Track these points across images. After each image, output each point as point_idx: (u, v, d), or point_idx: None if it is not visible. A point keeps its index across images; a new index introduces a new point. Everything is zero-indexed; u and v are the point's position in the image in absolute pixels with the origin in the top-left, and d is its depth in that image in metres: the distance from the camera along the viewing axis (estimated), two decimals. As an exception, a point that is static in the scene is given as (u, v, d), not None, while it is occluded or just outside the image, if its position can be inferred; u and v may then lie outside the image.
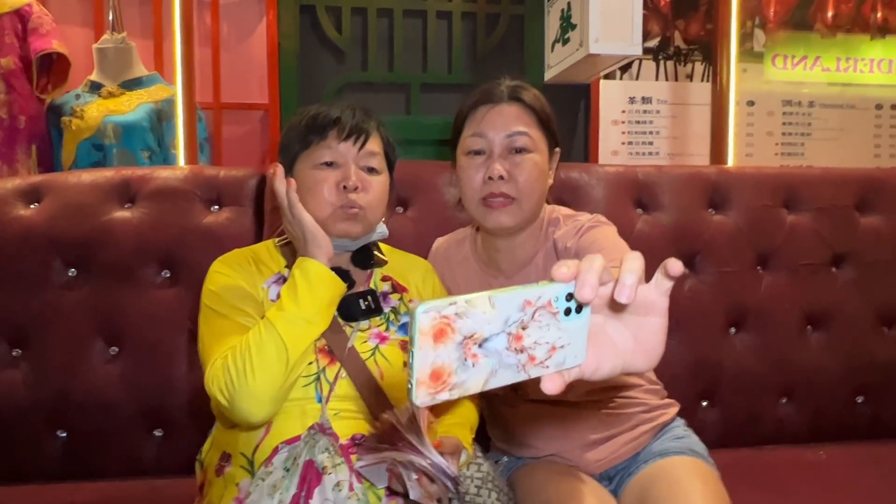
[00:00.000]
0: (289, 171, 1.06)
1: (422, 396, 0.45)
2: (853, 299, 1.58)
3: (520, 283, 1.14)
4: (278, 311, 0.93)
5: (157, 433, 1.37)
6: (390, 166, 1.11)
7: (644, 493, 1.04)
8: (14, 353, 1.35)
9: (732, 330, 1.55)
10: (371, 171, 1.05)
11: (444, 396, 0.46)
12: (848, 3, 2.88)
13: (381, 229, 1.10)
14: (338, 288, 0.98)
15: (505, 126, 1.09)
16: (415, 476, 0.85)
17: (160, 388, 1.36)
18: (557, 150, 1.17)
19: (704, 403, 1.51)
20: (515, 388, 1.14)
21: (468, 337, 0.45)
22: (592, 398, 1.13)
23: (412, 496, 0.85)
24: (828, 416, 1.55)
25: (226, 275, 1.02)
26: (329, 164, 1.03)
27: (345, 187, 1.00)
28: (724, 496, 1.02)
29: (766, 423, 1.53)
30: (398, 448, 0.85)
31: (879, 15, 2.91)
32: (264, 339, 0.90)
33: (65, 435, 1.34)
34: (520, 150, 1.09)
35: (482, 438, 1.24)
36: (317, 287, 0.95)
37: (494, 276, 1.19)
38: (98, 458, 1.36)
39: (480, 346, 0.46)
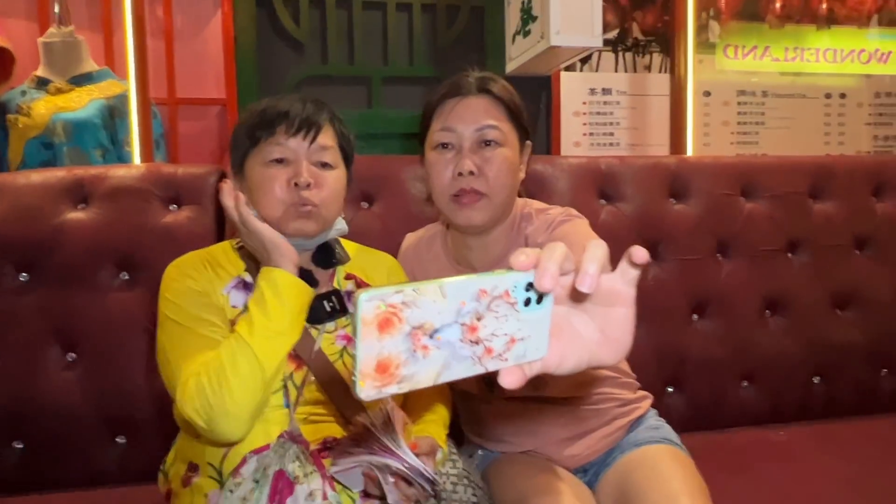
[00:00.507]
0: (239, 170, 1.02)
1: (367, 390, 0.42)
2: (809, 283, 1.63)
3: None
4: (249, 326, 0.90)
5: (120, 440, 1.33)
6: (347, 159, 1.07)
7: (623, 481, 1.06)
8: (-35, 363, 1.29)
9: (695, 317, 1.58)
10: (324, 165, 1.00)
11: (393, 390, 0.43)
12: (796, -6, 2.96)
13: (340, 225, 1.06)
14: (307, 295, 0.96)
15: (474, 119, 1.05)
16: (391, 479, 0.84)
17: (121, 393, 1.32)
18: (528, 143, 1.14)
19: (670, 389, 1.55)
20: (489, 385, 1.13)
21: (417, 327, 0.42)
22: (570, 394, 1.13)
23: (390, 500, 0.84)
24: (787, 397, 1.60)
25: (182, 281, 0.98)
26: (279, 161, 0.98)
27: (296, 184, 0.96)
28: (700, 481, 1.04)
29: (730, 406, 1.57)
30: (373, 451, 0.84)
31: (825, 6, 2.99)
32: (237, 357, 0.87)
33: (21, 446, 1.30)
34: (489, 144, 1.06)
35: (456, 432, 1.25)
36: (286, 297, 0.92)
37: (467, 273, 1.17)
38: (58, 468, 1.31)
39: (431, 336, 0.43)
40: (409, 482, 0.84)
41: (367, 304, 0.41)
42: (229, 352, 0.88)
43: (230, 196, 0.96)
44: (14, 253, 1.32)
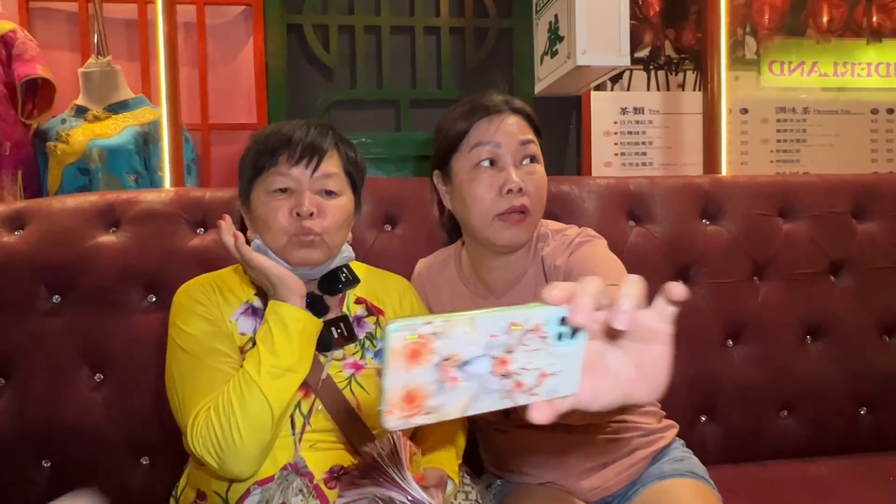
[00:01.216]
0: (246, 198, 1.02)
1: (393, 420, 0.42)
2: (852, 308, 1.56)
3: (511, 302, 1.09)
4: (257, 364, 0.88)
5: (144, 461, 1.34)
6: (354, 184, 1.05)
7: None
8: (-3, 383, 1.32)
9: (730, 342, 1.52)
10: (328, 193, 0.99)
11: (420, 420, 0.43)
12: (840, 9, 2.88)
13: (347, 252, 1.05)
14: (315, 328, 0.94)
15: (514, 135, 1.04)
16: None
17: (146, 414, 1.33)
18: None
19: (703, 418, 1.48)
20: (507, 414, 1.10)
21: (446, 359, 0.42)
22: (589, 422, 1.10)
23: None
24: (830, 428, 1.52)
25: (192, 308, 0.98)
26: (283, 191, 0.97)
27: (298, 214, 0.95)
28: None
29: (767, 436, 1.50)
30: (379, 483, 0.82)
31: (875, 19, 2.90)
32: (245, 397, 0.86)
33: (49, 464, 1.32)
34: (531, 160, 1.05)
35: (474, 461, 1.22)
36: (294, 333, 0.90)
37: (484, 297, 1.14)
38: (84, 487, 1.33)
39: (460, 368, 0.43)
40: None
41: (396, 335, 0.41)
42: (237, 391, 0.87)
43: (229, 234, 0.95)
44: (48, 275, 1.35)
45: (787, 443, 1.50)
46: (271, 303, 0.93)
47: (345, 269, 1.06)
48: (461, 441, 1.07)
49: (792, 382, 1.51)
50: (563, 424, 1.06)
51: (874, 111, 2.93)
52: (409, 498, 0.81)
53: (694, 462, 1.12)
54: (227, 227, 0.96)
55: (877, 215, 1.61)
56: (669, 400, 1.21)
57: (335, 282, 1.04)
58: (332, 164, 1.00)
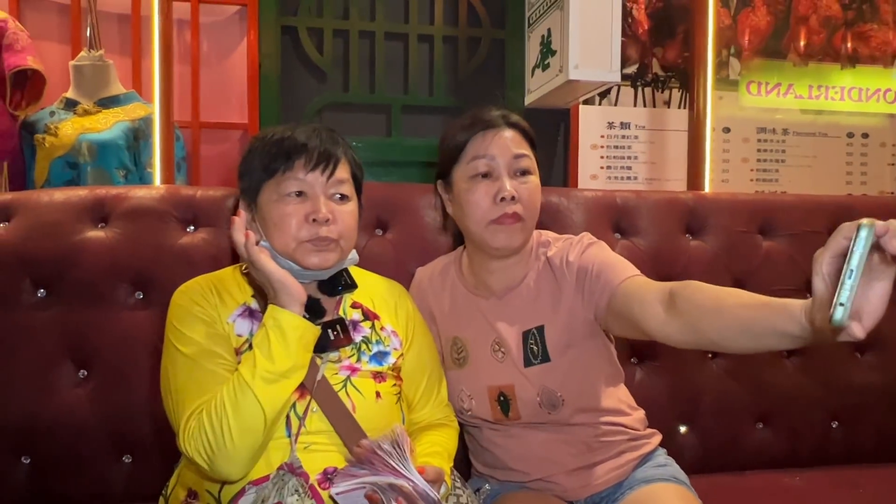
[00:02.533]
0: (252, 200, 1.03)
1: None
2: (827, 324, 1.60)
3: (511, 302, 1.17)
4: (251, 369, 0.89)
5: (126, 459, 1.33)
6: (358, 189, 1.09)
7: None
8: (-22, 376, 1.31)
9: (710, 355, 1.55)
10: (341, 198, 1.02)
11: None
12: (820, 34, 2.96)
13: (353, 255, 1.07)
14: (312, 335, 0.95)
15: (509, 149, 1.12)
16: (394, 502, 0.82)
17: (130, 412, 1.32)
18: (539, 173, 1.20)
19: (682, 429, 1.51)
20: (505, 408, 1.14)
21: None
22: (581, 421, 1.14)
23: None
24: (804, 440, 1.56)
25: (189, 309, 0.98)
26: (298, 195, 0.99)
27: (314, 220, 0.97)
28: None
29: (744, 447, 1.54)
30: (378, 471, 0.83)
31: (850, 45, 2.99)
32: (239, 400, 0.87)
33: (29, 461, 1.30)
34: (524, 172, 1.12)
35: (463, 467, 1.23)
36: (291, 340, 0.91)
37: (485, 298, 1.20)
38: (64, 484, 1.32)
39: None
40: None
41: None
42: (231, 394, 0.87)
43: (241, 233, 0.95)
44: (34, 269, 1.34)
45: (763, 454, 1.54)
46: (270, 307, 0.93)
47: (345, 273, 1.07)
48: (452, 446, 1.08)
49: (768, 395, 1.55)
50: (553, 423, 1.10)
51: (850, 135, 3.01)
52: (410, 485, 0.81)
53: (677, 469, 1.16)
54: (240, 224, 0.96)
55: (852, 236, 1.65)
56: (649, 409, 1.25)
57: (335, 284, 1.05)
58: (343, 170, 1.03)
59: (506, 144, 1.12)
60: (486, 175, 1.11)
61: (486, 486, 1.20)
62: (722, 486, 1.38)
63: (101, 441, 1.31)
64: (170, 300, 1.04)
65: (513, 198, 1.09)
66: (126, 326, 1.35)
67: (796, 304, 0.76)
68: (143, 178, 2.08)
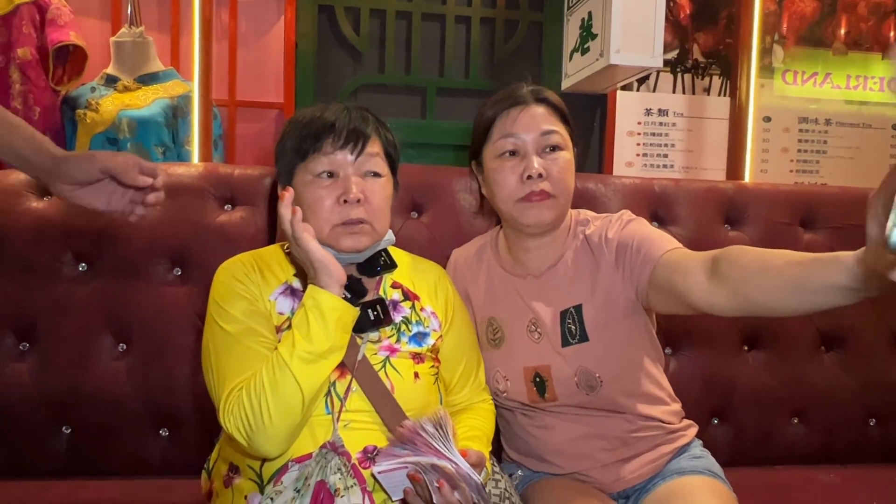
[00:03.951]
0: (288, 183, 1.02)
1: None
2: (868, 320, 1.56)
3: (549, 282, 1.16)
4: (290, 348, 0.89)
5: (163, 432, 1.36)
6: (392, 165, 1.06)
7: None
8: (21, 347, 1.33)
9: (745, 347, 1.53)
10: (373, 175, 1.00)
11: None
12: (867, 21, 2.87)
13: (389, 236, 1.06)
14: (351, 316, 0.94)
15: (537, 126, 1.09)
16: (436, 483, 0.82)
17: (167, 386, 1.35)
18: (574, 150, 1.17)
19: (716, 421, 1.50)
20: (541, 390, 1.13)
21: None
22: (618, 408, 1.12)
23: (435, 501, 0.82)
24: (840, 437, 1.53)
25: (231, 286, 0.98)
26: (329, 175, 0.98)
27: (345, 201, 0.96)
28: None
29: (778, 442, 1.51)
30: (421, 452, 0.83)
31: (893, 34, 2.89)
32: (277, 379, 0.87)
33: (70, 431, 1.33)
34: (553, 149, 1.10)
35: (494, 450, 1.23)
36: (330, 321, 0.90)
37: (522, 277, 1.18)
38: (103, 455, 1.35)
39: None
40: (454, 487, 0.82)
41: None
42: (270, 373, 0.88)
43: (288, 208, 0.94)
44: (75, 243, 1.36)
45: (797, 449, 1.52)
46: (310, 287, 0.93)
47: (384, 253, 1.07)
48: (490, 429, 1.08)
49: (805, 390, 1.52)
50: (591, 408, 1.09)
51: (895, 126, 2.93)
52: (453, 466, 0.81)
53: (712, 461, 1.14)
54: (289, 198, 0.94)
55: None
56: (684, 401, 1.23)
57: (374, 265, 1.05)
58: (374, 146, 1.01)
59: (533, 121, 1.09)
60: (513, 153, 1.10)
61: (519, 473, 1.19)
62: (754, 480, 1.36)
63: (138, 414, 1.34)
64: (207, 278, 1.04)
65: (540, 175, 1.07)
66: (164, 302, 1.37)
67: (848, 254, 0.74)
68: (181, 156, 2.11)
